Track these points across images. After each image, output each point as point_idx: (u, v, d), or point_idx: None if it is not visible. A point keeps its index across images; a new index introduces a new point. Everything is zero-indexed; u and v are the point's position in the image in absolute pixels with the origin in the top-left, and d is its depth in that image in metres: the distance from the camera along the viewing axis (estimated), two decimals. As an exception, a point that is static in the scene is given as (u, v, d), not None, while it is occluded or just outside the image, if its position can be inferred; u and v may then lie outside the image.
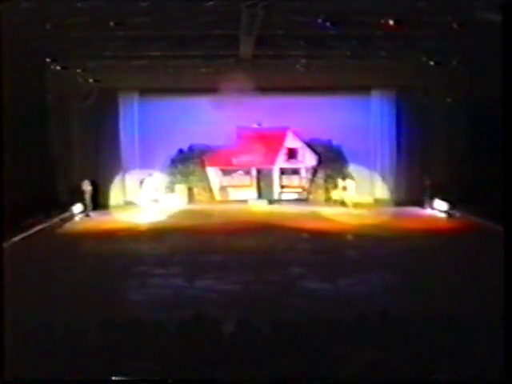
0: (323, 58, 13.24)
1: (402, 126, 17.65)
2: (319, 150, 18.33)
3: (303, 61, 13.36)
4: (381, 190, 18.20)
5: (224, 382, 4.07)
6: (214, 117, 16.74)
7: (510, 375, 3.92)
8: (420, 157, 17.10)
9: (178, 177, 18.27)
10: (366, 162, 18.17)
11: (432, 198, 15.68)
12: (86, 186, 15.24)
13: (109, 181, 17.47)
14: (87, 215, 14.87)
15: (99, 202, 16.84)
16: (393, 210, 15.96)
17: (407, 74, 15.09)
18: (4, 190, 4.74)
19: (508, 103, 4.51)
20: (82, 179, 15.63)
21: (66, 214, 14.17)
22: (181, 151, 18.63)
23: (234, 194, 16.72)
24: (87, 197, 15.09)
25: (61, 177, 14.76)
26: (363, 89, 17.49)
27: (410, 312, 5.49)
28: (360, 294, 7.11)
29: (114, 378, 3.96)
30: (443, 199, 14.98)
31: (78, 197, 15.02)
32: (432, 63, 13.14)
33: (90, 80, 15.01)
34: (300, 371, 4.15)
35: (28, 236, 11.35)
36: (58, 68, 13.13)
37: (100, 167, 17.27)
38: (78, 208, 14.83)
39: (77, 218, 14.41)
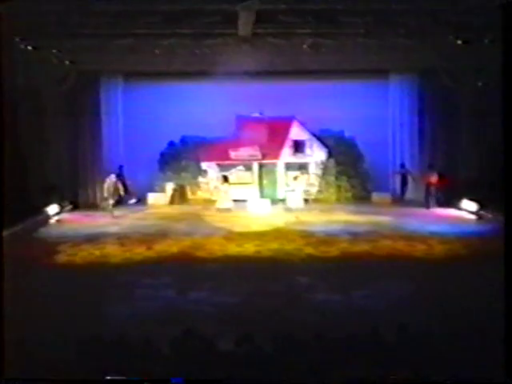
0: (334, 37, 13.18)
1: (425, 116, 17.63)
2: (330, 142, 18.33)
3: (311, 40, 13.33)
4: (400, 187, 18.21)
5: (226, 382, 4.48)
6: (209, 105, 16.73)
7: (510, 375, 4.50)
8: (445, 150, 17.07)
9: (169, 173, 18.27)
10: (384, 155, 18.19)
11: (459, 197, 15.67)
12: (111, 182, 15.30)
13: (89, 177, 17.51)
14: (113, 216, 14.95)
15: (77, 201, 16.94)
16: (414, 210, 16.00)
17: (430, 54, 15.03)
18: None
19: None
20: (58, 176, 15.64)
21: (41, 216, 14.18)
22: (171, 144, 18.65)
23: (232, 193, 16.70)
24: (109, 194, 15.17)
25: (34, 173, 14.75)
26: (380, 72, 17.47)
27: (428, 327, 5.54)
28: (375, 307, 7.11)
29: (114, 378, 4.45)
30: (471, 199, 14.97)
31: (54, 196, 15.03)
32: (460, 42, 13.07)
33: (67, 62, 14.97)
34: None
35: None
36: (29, 48, 13.10)
37: (79, 162, 17.29)
38: (53, 209, 14.83)
39: (53, 220, 14.41)
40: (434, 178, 16.29)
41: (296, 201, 16.55)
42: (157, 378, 4.53)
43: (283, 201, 17.54)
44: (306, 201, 17.09)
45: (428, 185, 16.41)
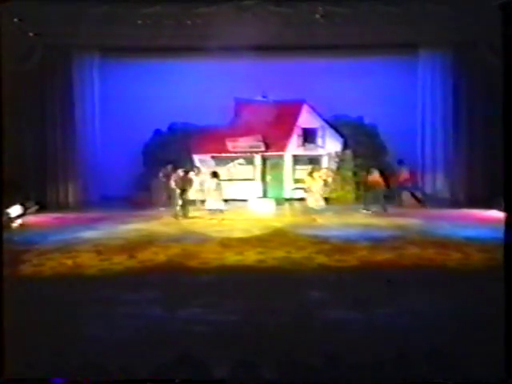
0: (351, 4, 13.20)
1: (461, 98, 17.61)
2: (346, 130, 18.37)
3: (323, 8, 13.34)
4: (431, 184, 18.23)
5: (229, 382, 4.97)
6: (202, 86, 16.76)
7: (510, 375, 5.14)
8: (485, 140, 17.04)
9: (155, 168, 18.28)
10: (411, 146, 18.19)
11: (503, 196, 15.68)
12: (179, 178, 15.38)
13: (60, 173, 17.55)
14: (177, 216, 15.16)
15: (45, 200, 16.98)
16: (447, 211, 16.04)
17: (469, 24, 14.97)
18: None
19: None
20: (22, 170, 15.65)
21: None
22: (158, 132, 18.69)
23: (230, 192, 16.74)
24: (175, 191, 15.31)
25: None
26: (407, 47, 17.49)
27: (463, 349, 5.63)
28: (401, 327, 7.14)
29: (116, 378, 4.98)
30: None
31: (16, 195, 15.05)
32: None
33: (31, 33, 14.97)
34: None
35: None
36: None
37: (48, 154, 17.32)
38: (15, 210, 14.85)
39: (15, 224, 14.45)
40: (404, 176, 16.54)
41: (317, 200, 16.33)
42: (160, 378, 4.89)
43: (290, 200, 17.57)
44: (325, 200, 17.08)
45: (400, 184, 16.74)
